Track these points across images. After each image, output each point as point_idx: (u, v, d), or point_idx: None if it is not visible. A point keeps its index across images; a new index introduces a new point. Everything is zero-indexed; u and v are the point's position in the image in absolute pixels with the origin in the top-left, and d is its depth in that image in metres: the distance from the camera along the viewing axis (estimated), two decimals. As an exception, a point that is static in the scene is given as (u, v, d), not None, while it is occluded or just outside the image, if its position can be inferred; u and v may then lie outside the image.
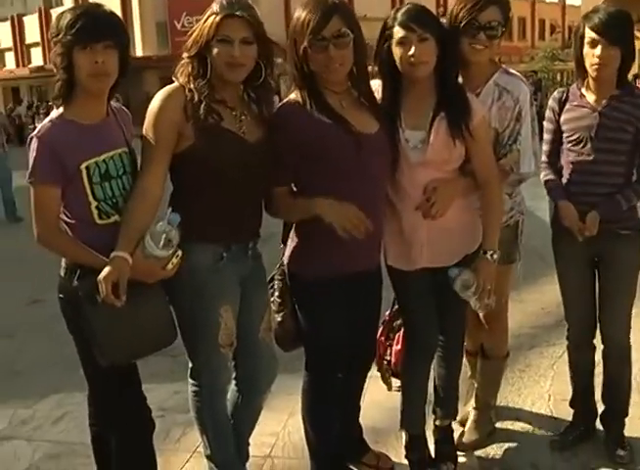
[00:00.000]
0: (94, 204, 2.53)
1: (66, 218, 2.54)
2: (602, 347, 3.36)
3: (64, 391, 4.28)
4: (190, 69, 2.62)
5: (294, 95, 2.78)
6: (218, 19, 2.54)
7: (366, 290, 2.98)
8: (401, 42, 2.81)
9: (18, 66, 41.44)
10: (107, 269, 2.38)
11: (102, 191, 2.53)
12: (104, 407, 2.73)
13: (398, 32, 2.81)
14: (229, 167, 2.62)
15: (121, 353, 2.51)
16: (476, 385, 3.66)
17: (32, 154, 2.46)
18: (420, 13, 2.87)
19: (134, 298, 2.43)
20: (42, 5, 39.62)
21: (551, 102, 3.29)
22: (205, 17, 2.58)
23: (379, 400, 3.68)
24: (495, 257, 2.94)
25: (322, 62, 2.67)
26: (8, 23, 42.24)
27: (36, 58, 39.68)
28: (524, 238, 3.41)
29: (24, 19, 41.18)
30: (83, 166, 2.49)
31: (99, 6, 2.49)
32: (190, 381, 2.87)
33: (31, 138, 2.47)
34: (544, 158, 3.32)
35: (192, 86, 2.59)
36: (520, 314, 4.95)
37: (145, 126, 2.60)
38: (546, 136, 3.30)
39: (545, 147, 3.32)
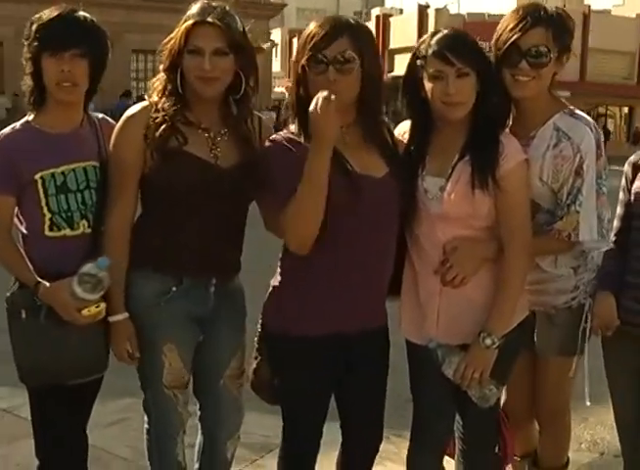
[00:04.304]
0: (48, 216, 2.44)
1: (21, 228, 2.49)
2: None
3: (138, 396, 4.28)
4: (163, 84, 2.44)
5: (293, 127, 2.45)
6: (188, 25, 2.34)
7: (361, 354, 2.53)
8: (435, 76, 2.37)
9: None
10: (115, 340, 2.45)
11: (57, 203, 2.44)
12: (34, 429, 2.61)
13: (433, 64, 2.37)
14: (188, 195, 2.40)
15: (38, 375, 2.41)
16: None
17: None
18: (460, 41, 2.43)
19: (63, 322, 2.35)
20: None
21: (626, 167, 2.64)
22: (180, 23, 2.38)
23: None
24: (489, 342, 2.40)
25: (319, 85, 2.31)
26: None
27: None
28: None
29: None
30: (38, 176, 2.41)
31: (73, 11, 2.39)
32: (145, 416, 2.68)
33: None
34: (612, 236, 2.66)
35: (160, 105, 2.40)
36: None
37: (109, 149, 2.49)
38: (618, 210, 2.67)
39: (615, 222, 2.67)
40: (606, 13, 37.00)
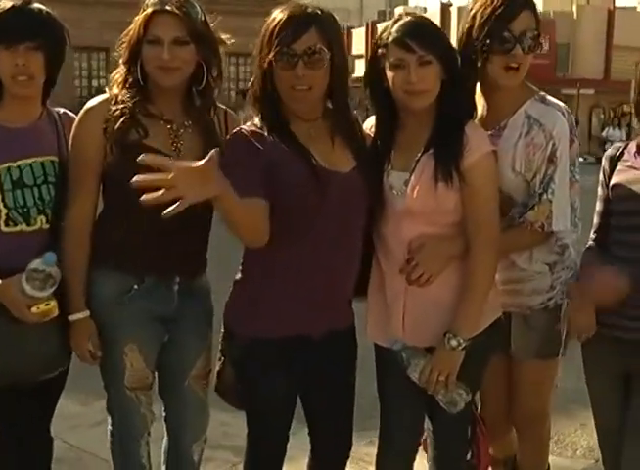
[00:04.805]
0: (4, 211, 2.39)
1: None
2: None
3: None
4: (123, 76, 2.38)
5: (257, 120, 2.36)
6: (146, 15, 2.29)
7: (325, 356, 2.43)
8: (397, 64, 2.28)
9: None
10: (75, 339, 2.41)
11: (13, 199, 2.38)
12: None
13: (393, 52, 2.28)
14: (148, 189, 2.31)
15: None
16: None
17: None
18: (422, 27, 2.33)
19: (15, 319, 2.30)
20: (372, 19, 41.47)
21: (603, 161, 2.53)
22: (140, 13, 2.33)
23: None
24: (454, 344, 2.29)
25: (288, 81, 2.23)
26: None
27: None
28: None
29: (354, 31, 43.31)
30: None
31: (28, 3, 2.34)
32: (108, 418, 2.63)
33: None
34: (591, 233, 2.56)
35: (120, 98, 2.35)
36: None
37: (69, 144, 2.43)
38: (597, 205, 2.55)
39: (595, 219, 2.56)
40: (631, 9, 36.50)
